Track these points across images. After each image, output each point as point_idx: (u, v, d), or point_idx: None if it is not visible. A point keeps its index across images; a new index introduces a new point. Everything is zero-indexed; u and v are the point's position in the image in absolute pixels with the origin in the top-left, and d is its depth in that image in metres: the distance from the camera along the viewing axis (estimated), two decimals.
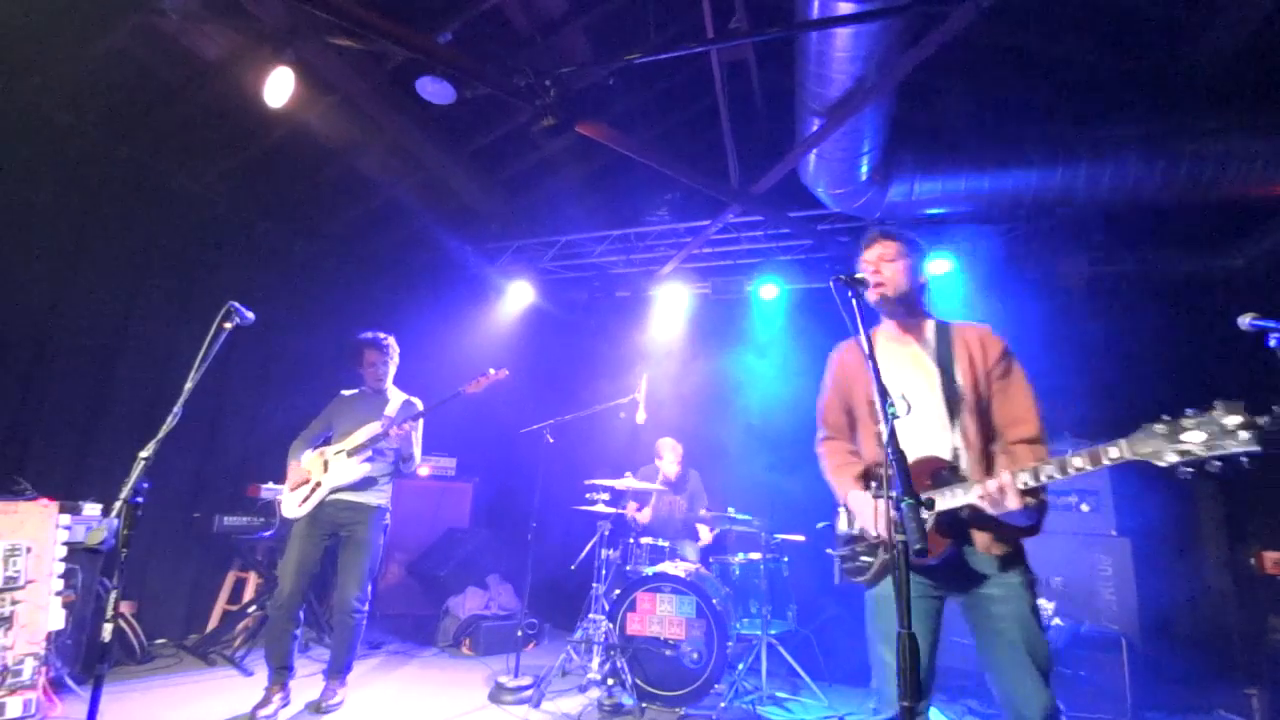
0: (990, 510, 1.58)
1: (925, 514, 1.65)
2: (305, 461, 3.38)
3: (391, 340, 3.60)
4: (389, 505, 3.45)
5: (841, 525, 1.95)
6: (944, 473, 1.71)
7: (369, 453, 3.32)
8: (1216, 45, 3.52)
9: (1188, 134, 3.64)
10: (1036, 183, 3.92)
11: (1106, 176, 3.80)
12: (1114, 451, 1.42)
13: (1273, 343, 2.02)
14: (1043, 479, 1.52)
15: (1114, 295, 4.68)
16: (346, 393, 3.61)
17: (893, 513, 1.32)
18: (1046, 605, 3.59)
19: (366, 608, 3.30)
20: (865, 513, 1.79)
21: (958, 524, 1.68)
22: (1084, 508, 3.96)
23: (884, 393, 1.44)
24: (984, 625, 1.65)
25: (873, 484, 1.71)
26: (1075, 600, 3.76)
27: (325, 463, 3.34)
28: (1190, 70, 3.69)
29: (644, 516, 4.56)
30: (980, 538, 1.67)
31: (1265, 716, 3.52)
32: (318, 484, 3.30)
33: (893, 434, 1.39)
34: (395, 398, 3.56)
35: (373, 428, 3.33)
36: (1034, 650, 1.60)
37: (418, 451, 3.48)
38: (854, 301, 1.66)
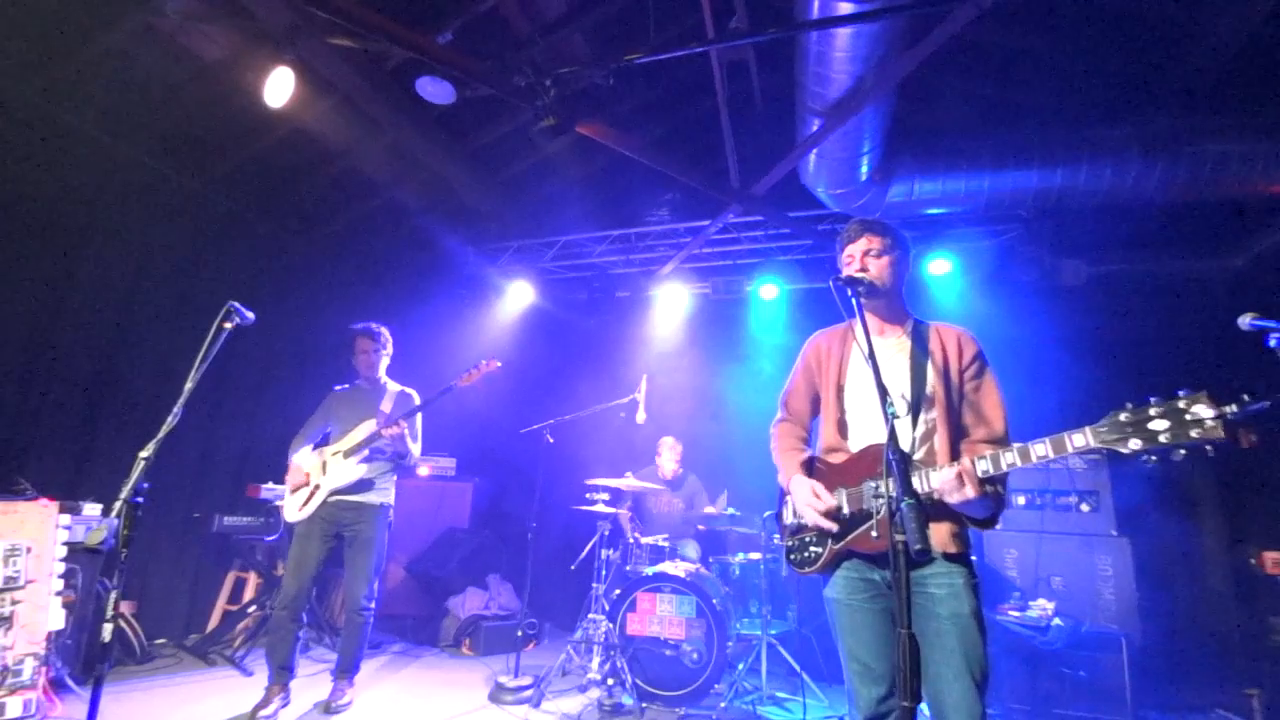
0: (949, 498, 1.57)
1: (878, 501, 1.66)
2: (303, 462, 3.35)
3: (385, 330, 3.56)
4: (392, 502, 3.45)
5: (788, 516, 1.95)
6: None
7: (366, 452, 3.29)
8: (1216, 45, 3.52)
9: (1188, 134, 3.64)
10: (1036, 183, 3.92)
11: (1106, 176, 3.79)
12: (1078, 439, 1.42)
13: (1273, 343, 2.03)
14: (1004, 466, 1.52)
15: (1114, 295, 4.68)
16: (339, 389, 3.58)
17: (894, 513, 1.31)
18: (1046, 605, 3.59)
19: (374, 605, 3.31)
20: (801, 498, 1.79)
21: None
22: (1084, 508, 3.96)
23: (884, 392, 1.44)
24: (923, 625, 1.62)
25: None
26: (1075, 600, 3.76)
27: (323, 464, 3.32)
28: (1190, 70, 3.69)
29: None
30: (934, 531, 1.65)
31: (1265, 716, 3.52)
32: (316, 486, 3.28)
33: (892, 434, 1.39)
34: (391, 390, 3.53)
35: (368, 425, 3.30)
36: (969, 656, 1.56)
37: (415, 448, 3.45)
38: (854, 301, 1.66)
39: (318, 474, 3.31)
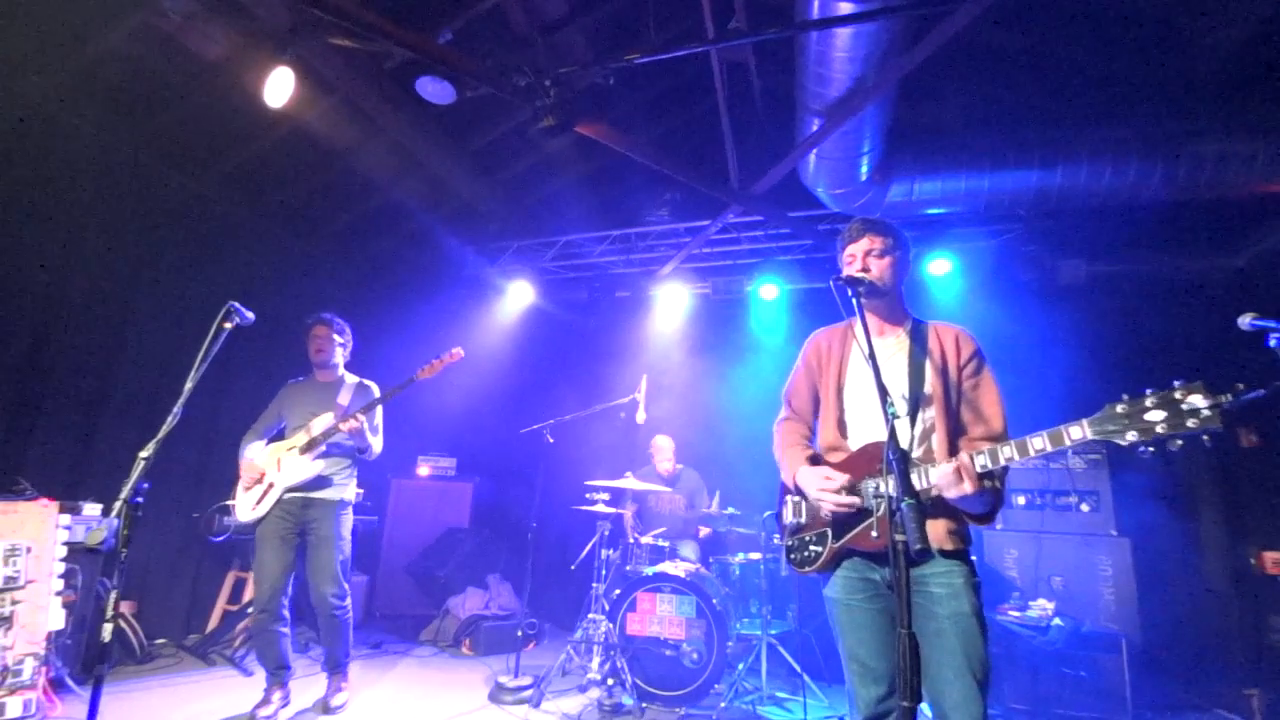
0: (947, 494, 1.57)
1: (877, 499, 1.65)
2: (257, 459, 3.23)
3: (344, 324, 3.47)
4: (352, 498, 3.33)
5: (788, 515, 1.95)
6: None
7: (323, 448, 3.20)
8: (1216, 45, 3.52)
9: (1188, 134, 3.64)
10: (1036, 183, 3.92)
11: (1106, 176, 3.79)
12: (1075, 431, 1.42)
13: (1273, 343, 2.03)
14: (1001, 460, 1.51)
15: (1114, 295, 4.68)
16: (295, 381, 3.46)
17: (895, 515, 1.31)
18: (1046, 605, 3.59)
19: (348, 601, 3.24)
20: (814, 485, 1.76)
21: None
22: (1084, 508, 3.96)
23: (884, 392, 1.44)
24: (923, 625, 1.61)
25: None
26: (1075, 600, 3.76)
27: (278, 460, 3.20)
28: (1190, 70, 3.69)
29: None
30: (932, 528, 1.65)
31: (1265, 716, 3.52)
32: (271, 484, 3.16)
33: (892, 434, 1.39)
34: (349, 382, 3.42)
35: (325, 419, 3.18)
36: (970, 655, 1.56)
37: (376, 442, 3.32)
38: (855, 301, 1.66)
39: (272, 471, 3.19)
